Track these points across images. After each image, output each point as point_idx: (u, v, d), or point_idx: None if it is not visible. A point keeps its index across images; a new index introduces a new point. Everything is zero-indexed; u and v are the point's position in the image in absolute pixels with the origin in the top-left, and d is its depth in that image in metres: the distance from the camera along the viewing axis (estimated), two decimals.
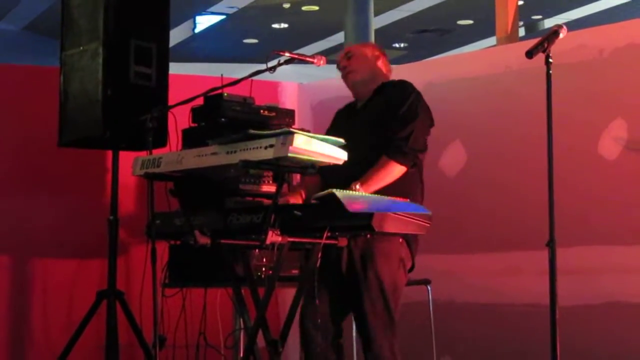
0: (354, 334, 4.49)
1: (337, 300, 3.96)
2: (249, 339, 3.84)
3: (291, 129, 3.27)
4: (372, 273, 3.83)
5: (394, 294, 3.87)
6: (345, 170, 3.51)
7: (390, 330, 3.85)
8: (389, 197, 3.50)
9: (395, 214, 3.40)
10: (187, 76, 6.22)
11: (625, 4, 15.59)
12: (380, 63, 4.18)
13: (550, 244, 3.37)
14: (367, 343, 3.86)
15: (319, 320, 3.89)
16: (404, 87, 4.04)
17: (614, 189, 4.97)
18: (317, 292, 3.69)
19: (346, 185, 3.54)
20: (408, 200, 3.58)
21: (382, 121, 3.94)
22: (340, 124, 4.19)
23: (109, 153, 5.04)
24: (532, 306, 4.93)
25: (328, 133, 4.04)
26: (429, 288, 5.02)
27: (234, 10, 15.46)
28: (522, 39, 9.36)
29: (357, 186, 3.66)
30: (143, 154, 3.87)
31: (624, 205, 4.92)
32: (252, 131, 3.38)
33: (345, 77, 4.15)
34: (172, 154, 3.75)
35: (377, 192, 3.68)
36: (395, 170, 3.83)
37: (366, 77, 4.13)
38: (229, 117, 5.02)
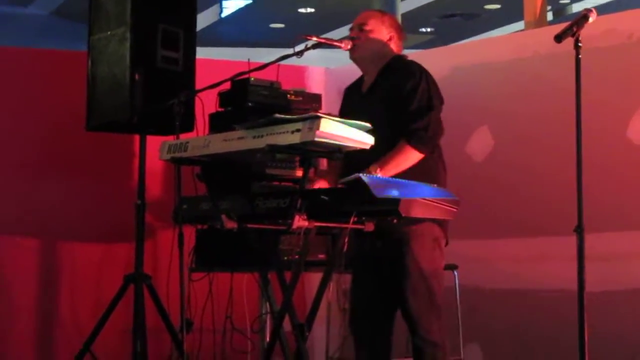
0: None
1: (381, 289, 3.94)
2: (276, 323, 3.85)
3: (318, 114, 3.25)
4: (409, 257, 3.81)
5: (434, 276, 3.85)
6: (357, 154, 3.45)
7: (436, 313, 3.84)
8: (416, 182, 3.49)
9: (423, 199, 3.39)
10: (214, 61, 6.23)
11: None
12: (392, 43, 4.07)
13: (578, 230, 3.34)
14: (414, 328, 3.84)
15: (366, 306, 3.90)
16: (413, 73, 3.93)
17: None
18: (355, 280, 3.68)
19: (358, 169, 3.49)
20: (435, 185, 3.56)
21: (390, 107, 3.88)
22: (350, 105, 4.11)
23: (137, 137, 5.05)
24: (560, 292, 4.89)
25: (341, 113, 4.02)
26: (455, 273, 5.01)
27: None
28: (550, 23, 9.28)
29: (378, 171, 3.64)
30: (170, 139, 3.88)
31: None
32: (278, 115, 3.37)
33: (352, 49, 4.00)
34: (199, 139, 3.76)
35: (404, 178, 3.66)
36: (413, 157, 3.81)
37: (373, 55, 4.03)
38: (255, 102, 5.03)
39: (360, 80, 4.17)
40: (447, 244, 3.96)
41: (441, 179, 3.89)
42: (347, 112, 3.94)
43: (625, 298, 4.90)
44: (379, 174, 3.61)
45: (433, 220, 3.76)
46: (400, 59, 4.08)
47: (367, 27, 4.04)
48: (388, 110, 3.87)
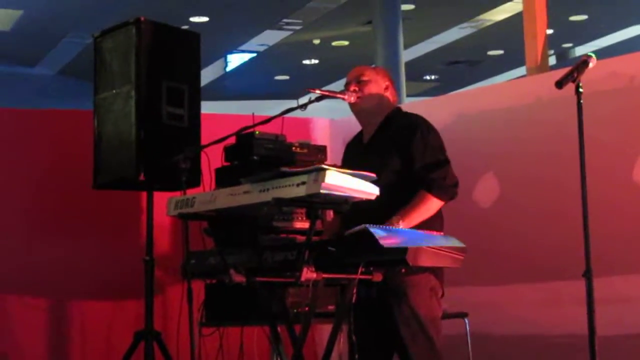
0: None
1: (378, 339, 3.93)
2: None
3: (323, 166, 3.26)
4: (406, 307, 3.81)
5: (432, 324, 3.85)
6: (360, 205, 3.45)
7: (437, 358, 3.83)
8: (422, 231, 3.49)
9: (429, 247, 3.38)
10: (219, 115, 6.27)
11: None
12: (389, 93, 4.12)
13: (587, 275, 3.34)
14: None
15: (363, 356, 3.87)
16: (419, 126, 3.97)
17: None
18: (352, 327, 3.67)
19: (358, 219, 3.49)
20: (441, 233, 3.56)
21: (391, 159, 3.91)
22: (351, 158, 4.14)
23: (144, 194, 5.07)
24: (572, 337, 4.87)
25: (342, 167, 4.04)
26: (466, 321, 4.98)
27: (265, 47, 15.59)
28: (554, 67, 9.34)
29: (400, 223, 3.65)
30: (177, 194, 3.89)
31: None
32: (284, 169, 3.39)
33: (355, 102, 4.04)
34: (205, 194, 3.77)
35: None
36: (435, 205, 3.84)
37: (375, 106, 4.07)
38: (261, 155, 5.05)
39: (359, 134, 4.21)
40: (443, 294, 3.95)
41: (437, 225, 3.89)
42: (347, 164, 3.97)
43: (636, 341, 4.86)
44: (402, 226, 3.62)
45: (430, 270, 3.77)
46: (400, 112, 4.13)
47: (365, 78, 4.07)
48: (389, 160, 3.90)
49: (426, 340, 3.82)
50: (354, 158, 4.09)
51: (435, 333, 3.85)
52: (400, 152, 3.92)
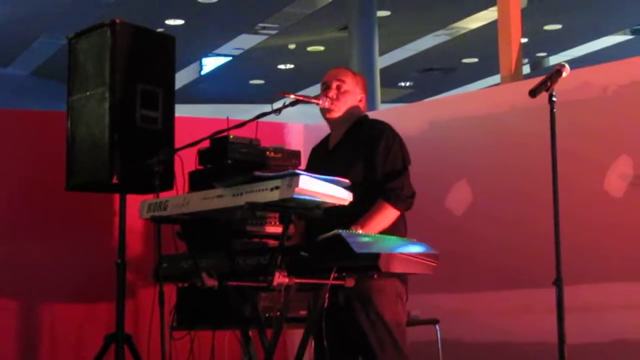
0: None
1: (344, 345, 3.93)
2: None
3: (296, 170, 3.27)
4: (373, 312, 3.82)
5: (398, 329, 3.86)
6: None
7: None
8: (394, 237, 3.51)
9: (402, 254, 3.39)
10: (194, 119, 6.26)
11: (628, 41, 15.68)
12: (362, 104, 4.15)
13: (558, 283, 3.36)
14: None
15: None
16: (384, 133, 3.99)
17: (620, 225, 4.97)
18: (324, 332, 3.67)
19: (325, 226, 3.47)
20: (414, 240, 3.58)
21: (355, 165, 3.93)
22: (315, 163, 4.15)
23: (117, 196, 5.06)
24: (542, 344, 4.90)
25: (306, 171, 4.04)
26: (437, 327, 5.01)
27: (240, 51, 15.57)
28: (528, 76, 9.39)
29: (359, 229, 3.66)
30: (150, 197, 3.88)
31: (631, 242, 4.90)
32: (257, 173, 3.39)
33: (329, 109, 4.04)
34: (178, 197, 3.76)
35: None
36: (392, 215, 3.88)
37: (346, 115, 4.09)
38: (235, 159, 5.05)
39: (326, 139, 4.23)
40: (406, 299, 3.97)
41: (401, 233, 3.91)
42: (311, 168, 3.96)
43: (604, 349, 4.90)
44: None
45: (396, 276, 3.78)
46: (367, 118, 4.15)
47: (345, 88, 4.08)
48: (352, 167, 3.90)
49: (394, 345, 3.83)
50: (318, 162, 4.11)
51: (401, 338, 3.86)
52: (364, 159, 3.95)
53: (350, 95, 4.09)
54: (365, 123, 4.12)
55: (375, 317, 3.83)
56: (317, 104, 4.02)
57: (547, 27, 14.50)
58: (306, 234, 3.99)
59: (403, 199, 3.90)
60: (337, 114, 4.06)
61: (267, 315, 4.54)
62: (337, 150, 4.09)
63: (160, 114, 4.94)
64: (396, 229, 3.88)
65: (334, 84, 4.08)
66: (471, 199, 5.70)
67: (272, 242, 4.85)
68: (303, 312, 4.53)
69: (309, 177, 3.24)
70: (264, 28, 14.40)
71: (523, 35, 6.86)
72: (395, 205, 3.88)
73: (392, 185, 3.89)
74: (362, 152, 3.97)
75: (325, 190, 3.30)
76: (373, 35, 12.96)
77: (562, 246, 3.41)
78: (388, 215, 3.87)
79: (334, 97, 4.05)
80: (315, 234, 3.48)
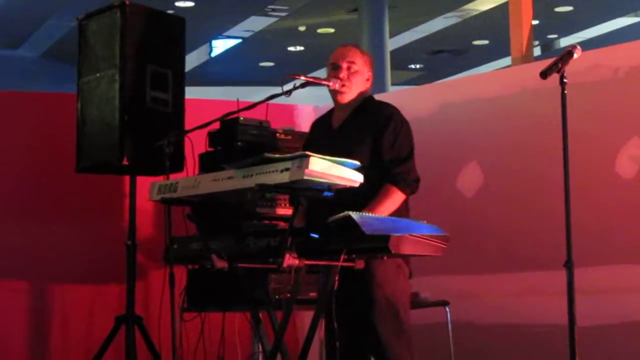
0: None
1: (352, 327, 3.93)
2: None
3: (307, 152, 3.27)
4: (374, 284, 3.84)
5: (401, 302, 3.88)
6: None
7: (405, 338, 3.85)
8: (405, 218, 3.51)
9: (412, 235, 3.39)
10: (204, 100, 6.25)
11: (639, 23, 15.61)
12: (369, 83, 4.15)
13: (568, 265, 3.36)
14: (383, 354, 3.85)
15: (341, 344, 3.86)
16: (392, 117, 4.01)
17: (631, 207, 4.95)
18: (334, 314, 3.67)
19: (333, 207, 3.46)
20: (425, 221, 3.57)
21: (362, 146, 3.94)
22: (318, 141, 4.11)
23: (127, 178, 5.06)
24: (552, 326, 4.90)
25: (305, 146, 4.03)
26: (447, 309, 5.00)
27: (250, 33, 15.55)
28: (538, 58, 9.37)
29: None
30: (160, 179, 3.88)
31: None
32: (267, 155, 3.39)
33: (341, 92, 4.04)
34: (189, 179, 3.76)
35: None
36: (399, 199, 3.91)
37: (356, 97, 4.09)
38: (245, 141, 5.04)
39: (327, 117, 4.21)
40: (411, 275, 3.97)
41: (404, 217, 3.90)
42: (313, 145, 3.90)
43: (616, 332, 4.89)
44: None
45: None
46: (373, 100, 4.15)
47: (355, 68, 4.07)
48: (358, 149, 3.89)
49: (394, 319, 3.85)
50: (321, 141, 4.07)
51: (403, 312, 3.88)
52: (371, 142, 3.95)
53: (360, 76, 4.08)
54: (372, 104, 4.12)
55: (376, 290, 3.85)
56: (328, 85, 4.01)
57: (558, 9, 14.44)
58: (307, 215, 3.98)
59: (409, 184, 3.94)
60: (349, 95, 4.05)
61: (277, 296, 4.55)
62: (342, 130, 4.08)
63: (170, 96, 4.94)
64: (399, 213, 3.88)
65: (344, 65, 4.07)
66: (482, 181, 5.69)
67: (282, 224, 4.84)
68: (313, 294, 4.55)
69: (319, 159, 3.23)
70: (274, 10, 14.37)
71: (534, 17, 6.83)
72: (402, 189, 3.91)
73: (399, 170, 3.92)
74: (369, 134, 3.97)
75: (335, 172, 3.30)
76: (383, 17, 12.93)
77: (572, 228, 3.40)
78: (396, 199, 3.89)
79: (345, 78, 4.03)
80: (316, 215, 3.47)
